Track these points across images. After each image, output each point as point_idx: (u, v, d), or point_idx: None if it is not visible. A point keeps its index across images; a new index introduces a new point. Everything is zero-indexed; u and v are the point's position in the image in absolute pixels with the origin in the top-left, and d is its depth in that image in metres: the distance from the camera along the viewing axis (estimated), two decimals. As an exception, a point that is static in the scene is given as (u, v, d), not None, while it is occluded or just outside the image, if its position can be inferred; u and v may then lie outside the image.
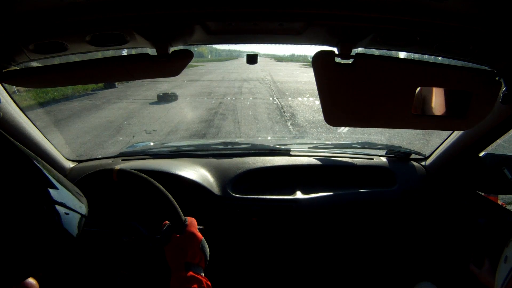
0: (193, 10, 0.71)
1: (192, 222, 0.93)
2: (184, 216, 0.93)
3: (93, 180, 0.96)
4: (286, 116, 8.89)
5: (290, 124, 8.11)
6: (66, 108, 10.34)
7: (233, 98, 11.96)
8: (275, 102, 11.24)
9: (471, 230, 1.38)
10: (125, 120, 8.29)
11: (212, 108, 9.83)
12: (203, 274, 0.86)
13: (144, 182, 0.94)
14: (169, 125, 7.75)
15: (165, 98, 11.20)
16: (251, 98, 12.03)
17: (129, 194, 1.31)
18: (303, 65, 39.06)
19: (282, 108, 10.09)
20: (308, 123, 8.15)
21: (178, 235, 0.89)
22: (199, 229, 0.94)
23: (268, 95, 13.09)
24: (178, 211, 0.92)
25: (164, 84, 15.87)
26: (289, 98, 12.19)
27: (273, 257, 1.52)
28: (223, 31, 0.81)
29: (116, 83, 14.94)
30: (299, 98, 12.21)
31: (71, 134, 7.09)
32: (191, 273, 0.83)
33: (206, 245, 0.91)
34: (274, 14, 0.72)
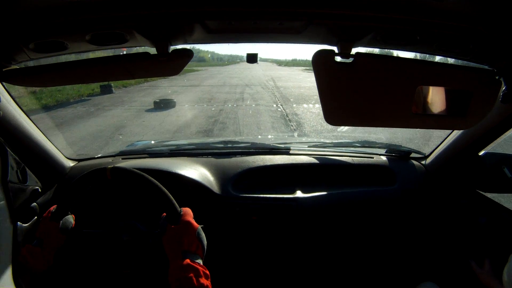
0: (193, 9, 0.71)
1: (187, 212, 0.94)
2: (180, 207, 0.94)
3: (88, 181, 0.97)
4: (292, 126, 8.18)
5: (297, 135, 7.49)
6: (58, 115, 9.56)
7: (235, 105, 11.21)
8: (279, 110, 10.44)
9: (471, 229, 1.38)
10: (117, 130, 7.47)
11: (212, 116, 9.20)
12: (201, 262, 0.86)
13: (137, 177, 0.94)
14: (164, 136, 7.19)
15: (162, 104, 10.60)
16: (253, 105, 11.27)
17: (125, 192, 1.32)
18: (305, 69, 38.66)
19: (287, 116, 9.37)
20: (316, 134, 7.61)
21: (173, 225, 0.90)
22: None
23: (272, 101, 12.35)
24: (172, 202, 0.93)
25: (163, 90, 15.46)
26: (294, 105, 11.39)
27: (273, 256, 1.52)
28: (223, 30, 0.81)
29: (113, 88, 14.46)
30: (305, 105, 11.37)
31: (57, 144, 6.66)
32: (187, 261, 0.83)
33: (203, 233, 0.92)
34: (274, 13, 0.72)
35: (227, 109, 10.38)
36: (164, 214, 0.95)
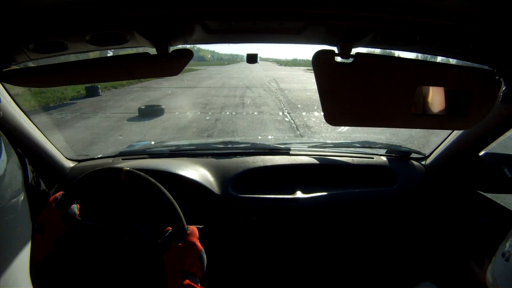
0: (193, 10, 0.71)
1: (194, 232, 0.94)
2: (187, 224, 0.94)
3: (100, 177, 0.97)
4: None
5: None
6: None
7: (233, 113, 9.48)
8: (286, 119, 8.69)
9: (471, 230, 1.39)
10: (85, 148, 5.94)
11: (205, 128, 7.65)
12: (199, 284, 0.86)
13: (152, 187, 0.94)
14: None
15: (148, 112, 9.13)
16: (255, 113, 9.52)
17: (134, 195, 1.32)
18: (307, 69, 36.38)
19: (297, 129, 7.71)
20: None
21: (178, 243, 0.90)
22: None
23: (277, 108, 10.50)
24: (181, 219, 0.92)
25: (155, 92, 14.04)
26: (304, 113, 9.56)
27: (273, 256, 1.52)
28: (223, 30, 0.81)
29: (100, 91, 13.10)
30: (316, 113, 9.33)
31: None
32: (187, 281, 0.83)
33: (205, 256, 0.92)
34: (274, 14, 0.72)
35: (224, 118, 8.77)
36: (169, 228, 0.95)
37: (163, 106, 9.56)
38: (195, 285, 0.83)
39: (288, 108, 10.45)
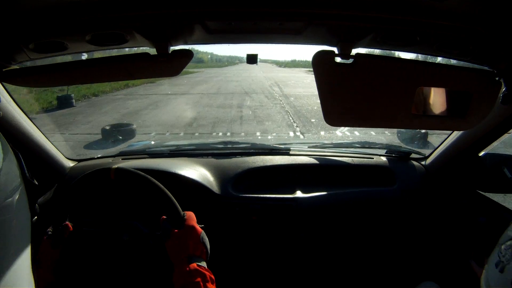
0: (193, 10, 0.71)
1: (191, 216, 0.94)
2: (181, 208, 0.94)
3: (91, 180, 0.97)
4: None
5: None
6: None
7: (228, 134, 7.34)
8: None
9: (471, 229, 1.39)
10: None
11: None
12: (205, 265, 0.86)
13: (142, 180, 0.94)
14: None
15: (114, 134, 6.77)
16: (258, 133, 7.32)
17: (127, 193, 1.32)
18: (309, 70, 34.11)
19: None
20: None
21: (177, 230, 0.90)
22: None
23: (285, 123, 8.14)
24: (176, 206, 0.93)
25: (138, 100, 12.05)
26: (322, 133, 7.29)
27: (273, 256, 1.53)
28: (223, 30, 0.81)
29: (74, 101, 11.16)
30: (339, 133, 6.94)
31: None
32: (194, 265, 0.82)
33: (206, 238, 0.92)
34: (274, 14, 0.72)
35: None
36: (164, 217, 0.95)
37: (134, 126, 7.27)
38: (201, 269, 0.82)
39: (300, 125, 8.05)
